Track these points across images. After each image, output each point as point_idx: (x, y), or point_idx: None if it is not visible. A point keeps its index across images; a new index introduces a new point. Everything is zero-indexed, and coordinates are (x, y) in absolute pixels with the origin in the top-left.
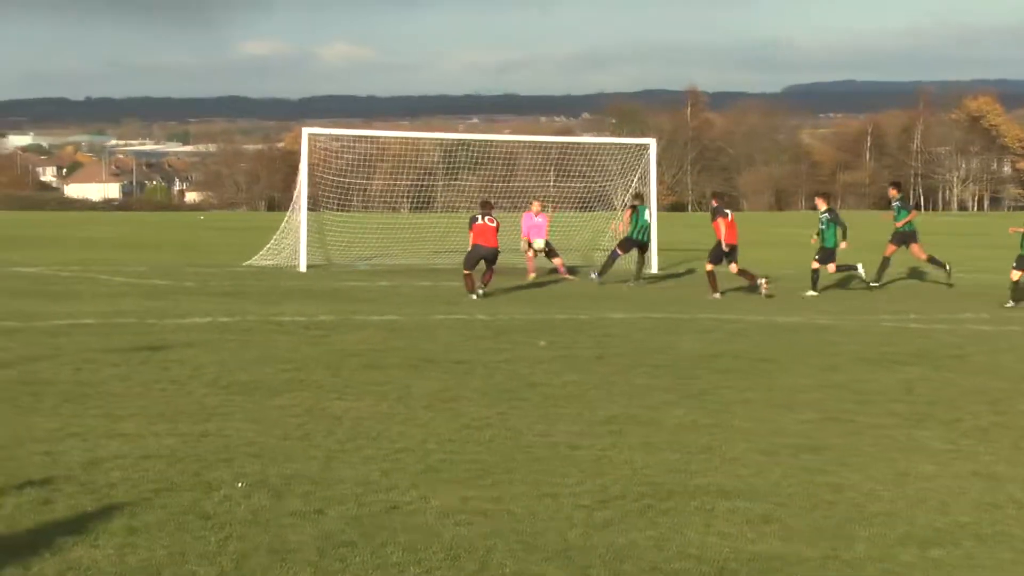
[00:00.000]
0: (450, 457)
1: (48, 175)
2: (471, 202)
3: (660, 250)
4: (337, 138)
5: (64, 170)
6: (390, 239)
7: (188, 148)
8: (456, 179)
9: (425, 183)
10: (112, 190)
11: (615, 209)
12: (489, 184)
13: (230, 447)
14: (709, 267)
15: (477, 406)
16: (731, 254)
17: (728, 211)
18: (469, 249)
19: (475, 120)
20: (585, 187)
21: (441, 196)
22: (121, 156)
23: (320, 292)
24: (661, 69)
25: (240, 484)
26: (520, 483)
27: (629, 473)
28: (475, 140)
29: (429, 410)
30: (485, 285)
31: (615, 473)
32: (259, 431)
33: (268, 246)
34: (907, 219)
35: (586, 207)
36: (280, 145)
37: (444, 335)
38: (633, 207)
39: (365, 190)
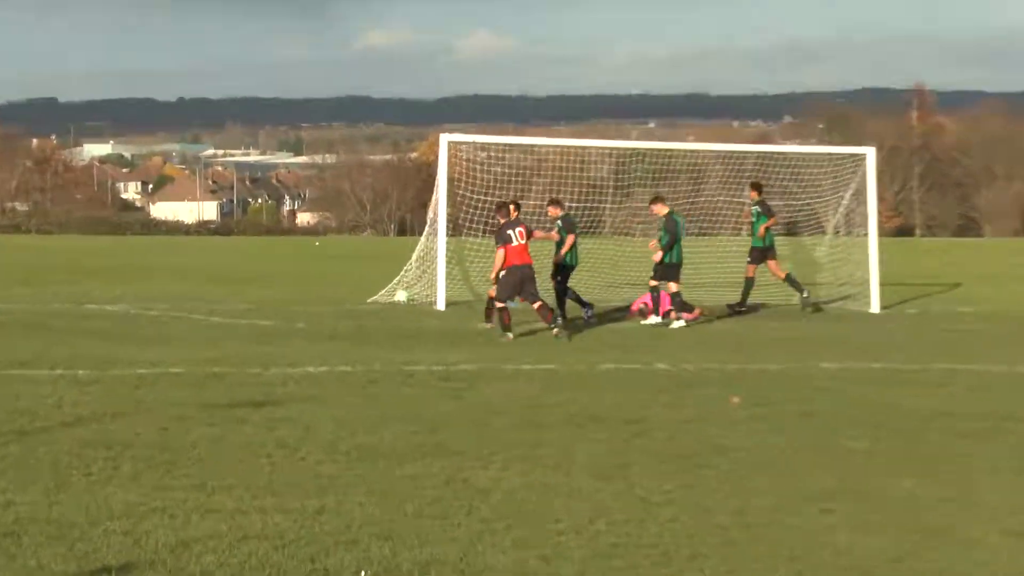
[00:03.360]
0: (623, 540)
1: (131, 191)
2: (647, 224)
3: (884, 284)
4: (483, 147)
5: (150, 185)
6: (550, 271)
7: (301, 159)
8: (629, 197)
9: (591, 202)
10: (208, 210)
11: (824, 232)
12: (671, 203)
13: (351, 527)
14: None
15: (655, 476)
16: None
17: None
18: (502, 274)
19: (652, 125)
20: (788, 207)
21: (610, 217)
22: (220, 168)
23: (461, 335)
24: (879, 64)
25: (364, 573)
26: (710, 572)
27: (841, 560)
28: (653, 149)
29: (596, 480)
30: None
31: (823, 560)
32: (386, 507)
33: (398, 279)
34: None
35: (790, 230)
36: (413, 155)
37: (614, 388)
38: (669, 215)
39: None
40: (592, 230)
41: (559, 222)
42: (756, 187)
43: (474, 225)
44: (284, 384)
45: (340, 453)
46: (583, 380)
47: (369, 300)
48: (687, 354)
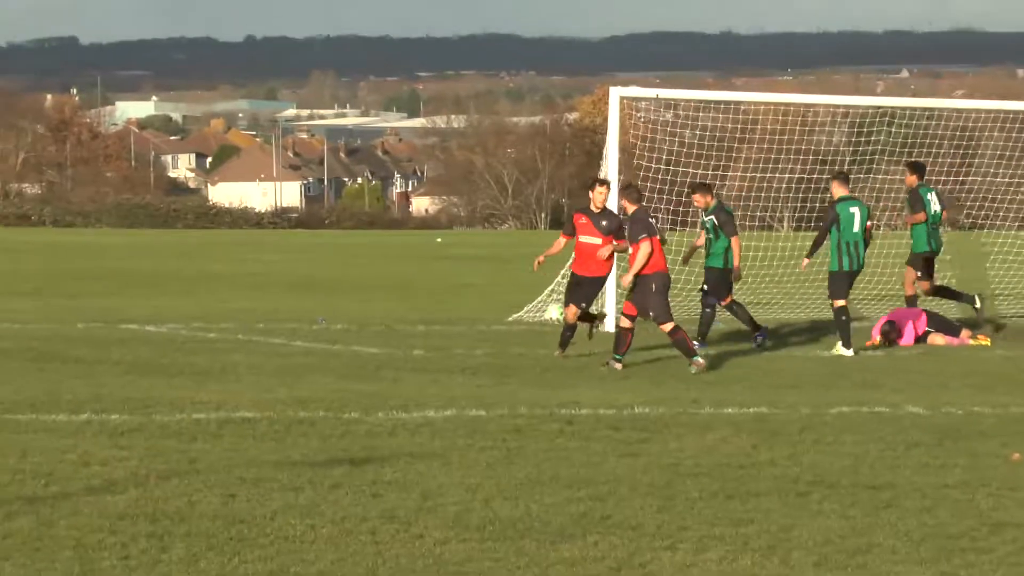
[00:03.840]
0: None
1: (182, 168)
2: (898, 208)
3: None
4: (670, 104)
5: (208, 160)
6: (762, 276)
7: (416, 123)
8: (872, 172)
9: (819, 180)
10: (289, 192)
11: None
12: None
13: None
14: None
15: (907, 563)
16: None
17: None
18: (647, 281)
19: (904, 74)
20: None
21: None
22: (304, 136)
23: (639, 367)
24: None
25: None
26: None
27: None
28: (905, 107)
29: (825, 571)
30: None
31: None
32: None
33: (550, 288)
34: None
35: None
36: (572, 116)
37: (850, 440)
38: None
39: (716, 194)
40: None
41: (711, 217)
42: (915, 168)
43: (658, 210)
44: (394, 434)
45: (471, 529)
46: (808, 429)
47: (511, 318)
48: (948, 393)
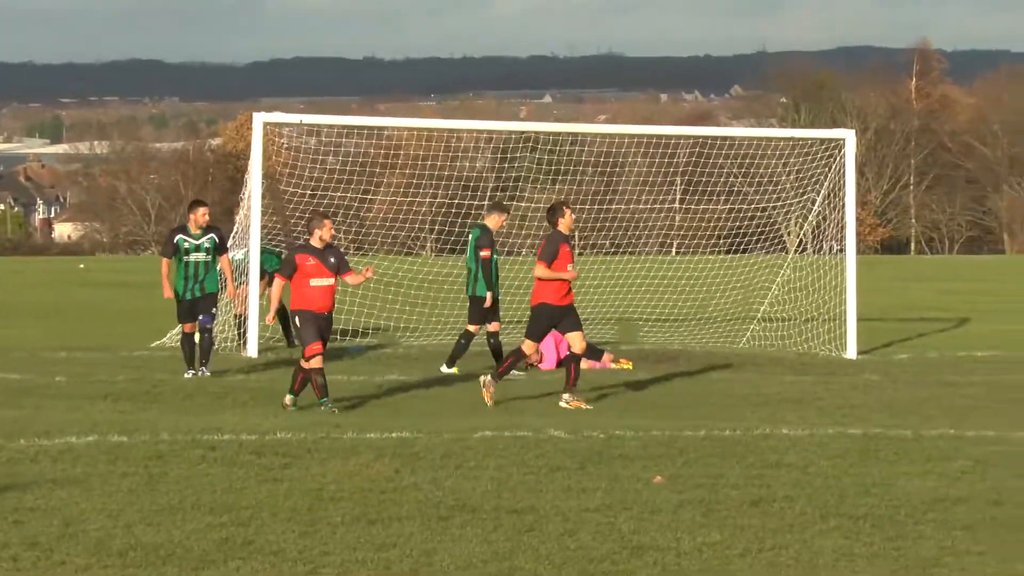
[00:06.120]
0: None
1: None
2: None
3: (864, 320)
4: (314, 130)
5: None
6: (406, 301)
7: (59, 149)
8: (517, 199)
9: (460, 206)
10: None
11: (786, 249)
12: (574, 207)
13: None
14: None
15: None
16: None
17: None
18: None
19: (548, 99)
20: (735, 213)
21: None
22: None
23: (282, 393)
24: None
25: None
26: None
27: None
28: (549, 133)
29: None
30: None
31: None
32: None
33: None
34: None
35: (738, 247)
36: (215, 142)
37: (492, 465)
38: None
39: (361, 218)
40: (465, 245)
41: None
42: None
43: (303, 236)
44: (36, 461)
45: (113, 555)
46: (450, 454)
47: (154, 344)
48: (591, 417)
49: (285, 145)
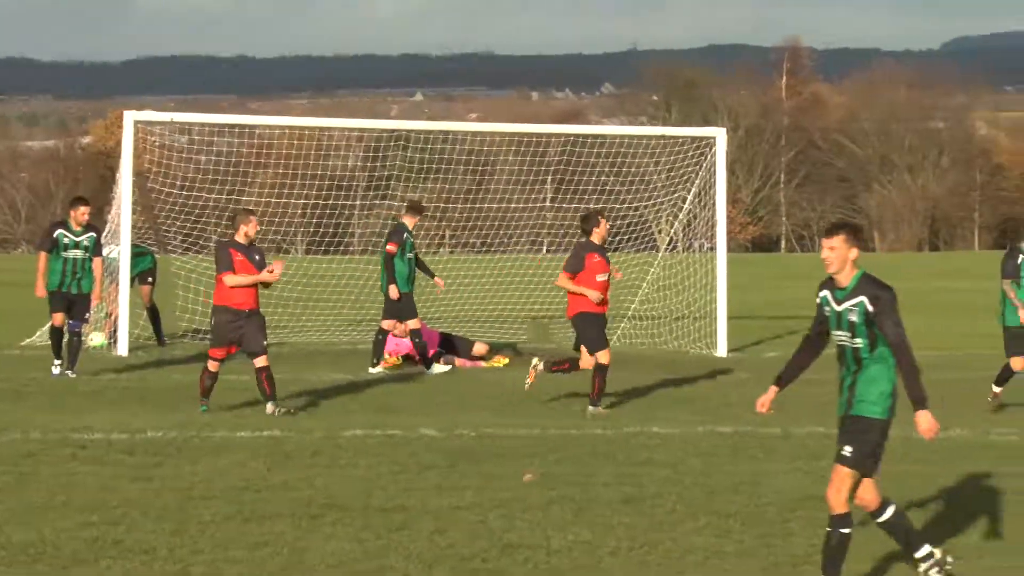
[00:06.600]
0: None
1: None
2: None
3: (734, 318)
4: (185, 128)
5: None
6: (276, 300)
7: None
8: (389, 197)
9: (334, 205)
10: None
11: (656, 247)
12: (445, 205)
13: None
14: None
15: None
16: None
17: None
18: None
19: (419, 97)
20: (606, 211)
21: (360, 226)
22: None
23: (154, 392)
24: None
25: None
26: None
27: None
28: (420, 131)
29: None
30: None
31: None
32: None
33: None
34: None
35: (609, 244)
36: (86, 140)
37: (363, 463)
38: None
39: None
40: (335, 246)
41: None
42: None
43: (173, 237)
44: None
45: None
46: (321, 453)
47: (24, 343)
48: (464, 415)
49: (157, 143)
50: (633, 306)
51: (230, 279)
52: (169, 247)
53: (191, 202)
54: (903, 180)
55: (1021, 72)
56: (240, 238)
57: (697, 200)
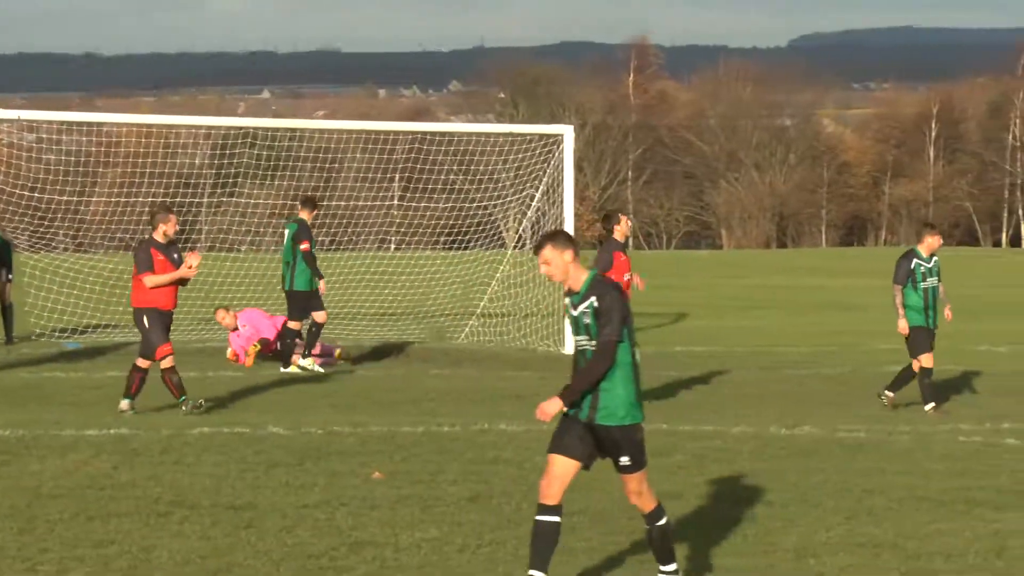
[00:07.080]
0: None
1: None
2: (260, 232)
3: None
4: (31, 126)
5: None
6: (122, 299)
7: None
8: (236, 195)
9: (181, 203)
10: None
11: (505, 246)
12: (293, 203)
13: None
14: None
15: None
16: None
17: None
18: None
19: (266, 94)
20: (454, 209)
21: (208, 224)
22: None
23: (1, 390)
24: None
25: None
26: None
27: None
28: (267, 129)
29: None
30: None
31: None
32: None
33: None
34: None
35: (457, 243)
36: None
37: (211, 461)
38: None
39: (79, 216)
40: (184, 241)
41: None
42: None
43: (19, 236)
44: None
45: None
46: (169, 450)
47: None
48: (310, 413)
49: (4, 141)
50: (482, 304)
51: (150, 280)
52: (17, 247)
53: (39, 203)
54: (750, 177)
55: (869, 69)
56: (159, 237)
57: (545, 198)
